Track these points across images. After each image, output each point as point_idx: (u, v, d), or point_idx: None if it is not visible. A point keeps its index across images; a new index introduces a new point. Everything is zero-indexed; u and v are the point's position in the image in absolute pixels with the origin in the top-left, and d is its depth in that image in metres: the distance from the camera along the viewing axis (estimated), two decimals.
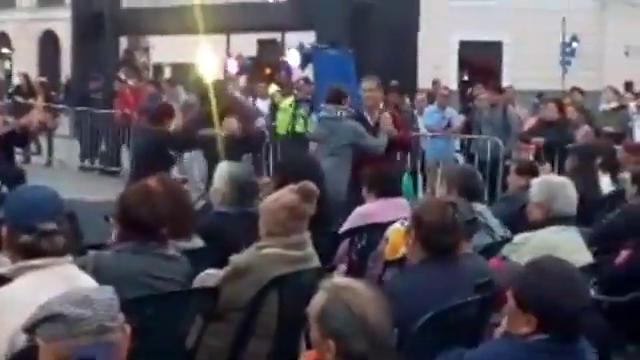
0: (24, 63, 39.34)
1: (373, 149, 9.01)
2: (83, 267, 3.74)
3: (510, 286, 3.42)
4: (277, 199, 4.71)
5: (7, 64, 45.17)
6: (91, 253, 4.54)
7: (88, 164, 18.51)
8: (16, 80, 29.30)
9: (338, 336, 2.94)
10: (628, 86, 23.45)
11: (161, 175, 5.70)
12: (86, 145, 18.49)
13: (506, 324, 3.48)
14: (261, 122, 9.64)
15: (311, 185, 4.79)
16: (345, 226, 6.71)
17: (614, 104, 14.83)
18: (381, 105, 9.70)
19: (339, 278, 3.15)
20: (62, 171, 17.92)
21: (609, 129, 13.22)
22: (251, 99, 16.54)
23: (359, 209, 6.92)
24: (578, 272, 3.46)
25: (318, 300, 3.07)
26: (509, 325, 3.43)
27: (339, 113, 9.18)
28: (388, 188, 6.96)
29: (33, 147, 18.97)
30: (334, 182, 7.67)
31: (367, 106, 9.43)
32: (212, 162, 8.53)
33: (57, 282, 3.21)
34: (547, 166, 9.64)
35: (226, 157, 8.31)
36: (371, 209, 6.79)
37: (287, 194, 4.73)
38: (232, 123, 9.34)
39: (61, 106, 20.98)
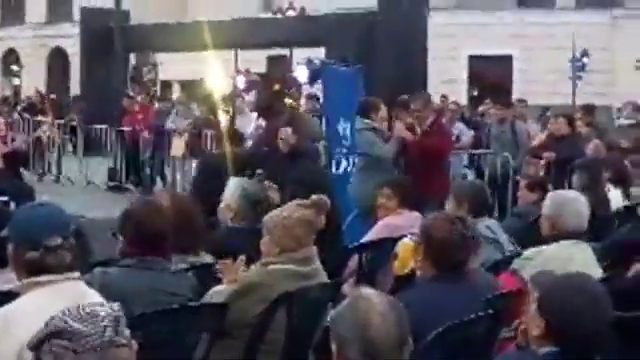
0: (33, 80, 39.40)
1: (384, 157, 9.13)
2: (90, 284, 3.70)
3: (536, 288, 3.38)
4: (290, 215, 4.67)
5: (16, 80, 45.19)
6: (97, 270, 4.51)
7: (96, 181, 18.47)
8: (25, 97, 29.37)
9: (339, 341, 2.91)
10: None
11: (169, 190, 5.69)
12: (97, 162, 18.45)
13: (525, 323, 3.47)
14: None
15: (325, 198, 4.76)
16: (367, 237, 6.74)
17: (632, 121, 14.64)
18: (428, 121, 9.47)
19: (366, 288, 3.11)
20: (71, 188, 17.91)
21: (625, 144, 13.03)
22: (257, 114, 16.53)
23: (385, 221, 6.87)
24: (606, 295, 3.35)
25: (338, 305, 3.05)
26: (527, 325, 3.40)
27: (360, 125, 9.41)
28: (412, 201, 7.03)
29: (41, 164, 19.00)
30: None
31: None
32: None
33: (64, 298, 3.17)
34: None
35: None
36: (397, 222, 6.71)
37: (299, 209, 4.69)
38: (286, 132, 9.10)
39: (72, 123, 20.85)
